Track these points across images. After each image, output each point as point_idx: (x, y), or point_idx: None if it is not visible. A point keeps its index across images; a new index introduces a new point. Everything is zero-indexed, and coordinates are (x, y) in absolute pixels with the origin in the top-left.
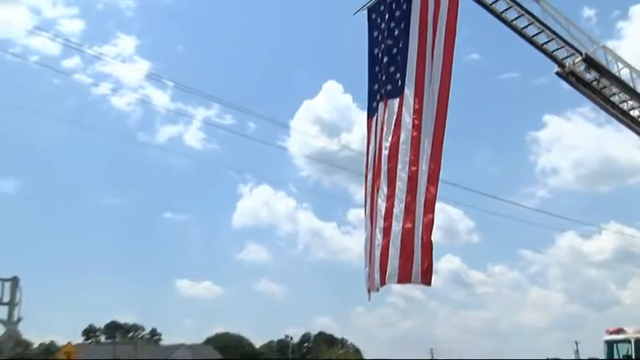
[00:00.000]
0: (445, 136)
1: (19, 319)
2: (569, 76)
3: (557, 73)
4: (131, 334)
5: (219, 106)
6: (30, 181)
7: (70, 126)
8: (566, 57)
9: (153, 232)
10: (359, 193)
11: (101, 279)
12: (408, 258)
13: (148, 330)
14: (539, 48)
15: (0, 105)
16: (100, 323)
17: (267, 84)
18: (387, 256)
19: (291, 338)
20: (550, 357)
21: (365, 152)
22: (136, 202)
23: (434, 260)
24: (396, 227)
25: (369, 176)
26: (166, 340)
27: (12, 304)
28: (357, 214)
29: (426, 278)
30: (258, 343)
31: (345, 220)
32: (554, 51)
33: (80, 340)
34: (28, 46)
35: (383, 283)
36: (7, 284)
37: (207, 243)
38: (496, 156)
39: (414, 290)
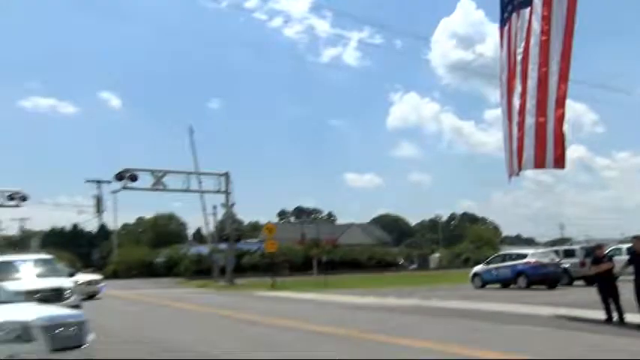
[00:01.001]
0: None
1: (233, 204)
2: None
3: None
4: (313, 216)
5: (371, 28)
6: (230, 100)
7: (254, 54)
8: None
9: (323, 136)
10: (493, 95)
11: (289, 173)
12: (541, 147)
13: (325, 213)
14: None
15: (204, 43)
16: (289, 207)
17: (410, 6)
18: (523, 146)
19: (440, 217)
20: None
21: (499, 58)
22: (309, 112)
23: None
24: (530, 121)
25: (504, 78)
26: (340, 221)
27: (227, 193)
28: (492, 114)
29: (559, 163)
30: (412, 221)
31: (481, 119)
32: None
33: (275, 220)
34: None
35: (520, 169)
36: (222, 178)
37: (367, 143)
38: (619, 51)
39: (543, 175)
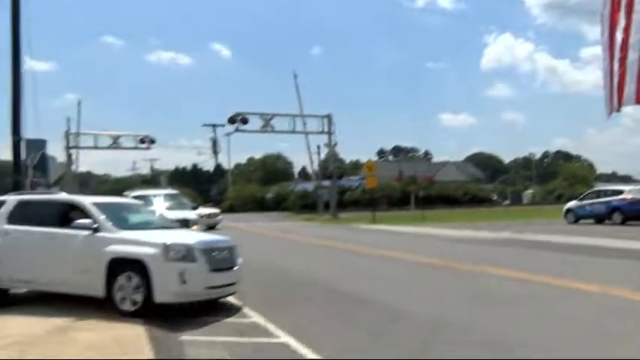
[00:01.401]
0: None
1: (335, 143)
2: None
3: None
4: (410, 155)
5: None
6: (331, 46)
7: (353, 2)
8: None
9: (420, 78)
10: (590, 33)
11: (388, 114)
12: None
13: (422, 151)
14: None
15: None
16: (388, 146)
17: None
18: (624, 82)
19: (534, 155)
20: None
21: None
22: (406, 56)
23: None
24: (633, 56)
25: (606, 13)
26: (436, 159)
27: (330, 133)
28: (589, 52)
29: None
30: (506, 159)
31: (577, 58)
32: None
33: (375, 158)
34: None
35: (620, 105)
36: (325, 119)
37: (462, 84)
38: None
39: None
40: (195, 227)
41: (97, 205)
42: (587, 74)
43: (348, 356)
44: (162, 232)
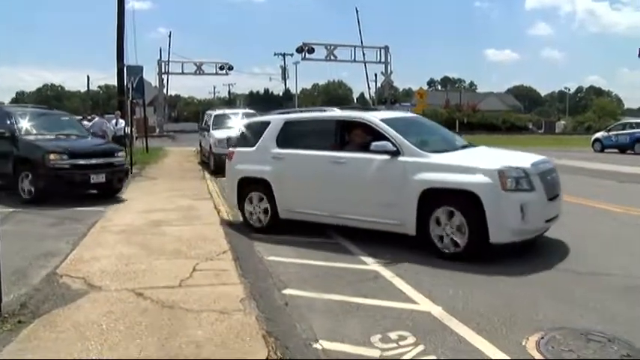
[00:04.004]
0: None
1: (391, 72)
2: None
3: None
4: (457, 85)
5: None
6: None
7: None
8: None
9: (468, 15)
10: None
11: (438, 47)
12: None
13: (467, 82)
14: None
15: None
16: (437, 77)
17: None
18: None
19: (569, 89)
20: None
21: None
22: None
23: None
24: None
25: None
26: (480, 90)
27: (386, 63)
28: None
29: None
30: (543, 93)
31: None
32: None
33: (425, 87)
34: None
35: None
36: (382, 50)
37: (507, 22)
38: None
39: None
40: None
41: (387, 121)
42: (624, 16)
43: None
44: (477, 153)
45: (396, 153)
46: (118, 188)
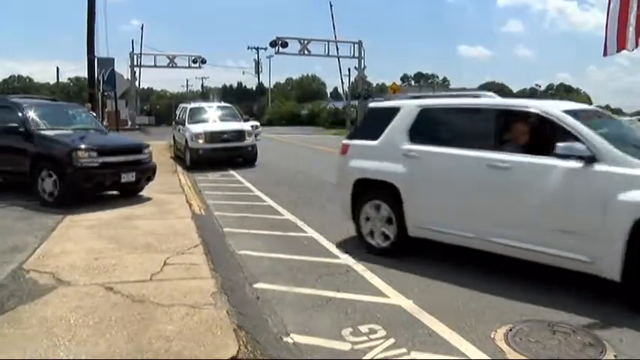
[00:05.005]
0: None
1: (364, 67)
2: None
3: None
4: (430, 80)
5: None
6: None
7: None
8: None
9: (441, 11)
10: None
11: (411, 43)
12: None
13: (441, 78)
14: None
15: None
16: (410, 72)
17: None
18: (626, 26)
19: (540, 86)
20: None
21: None
22: None
23: None
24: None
25: None
26: (453, 85)
27: (359, 58)
28: None
29: None
30: (515, 89)
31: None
32: None
33: (399, 82)
34: None
35: (622, 48)
36: (356, 45)
37: (479, 19)
38: None
39: (638, 54)
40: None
41: (572, 114)
42: (591, 16)
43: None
44: None
45: (591, 159)
46: (141, 188)
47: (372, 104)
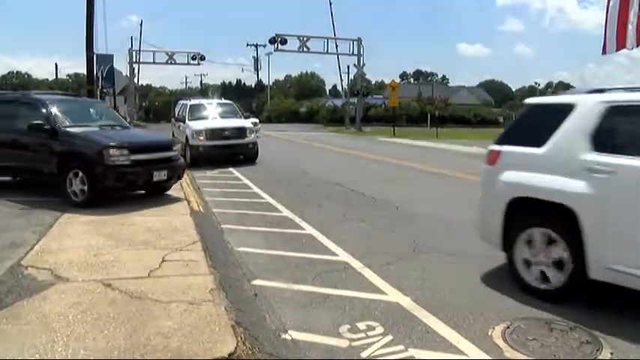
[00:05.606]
0: None
1: (364, 65)
2: None
3: None
4: (429, 78)
5: None
6: None
7: None
8: None
9: (441, 9)
10: None
11: (411, 41)
12: None
13: (440, 76)
14: None
15: None
16: (410, 70)
17: None
18: (626, 25)
19: (539, 85)
20: None
21: None
22: None
23: None
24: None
25: None
26: (452, 83)
27: (359, 55)
28: None
29: None
30: (513, 87)
31: None
32: None
33: (397, 80)
34: None
35: (622, 47)
36: (355, 43)
37: (478, 17)
38: None
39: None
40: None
41: None
42: (591, 14)
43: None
44: None
45: None
46: (170, 186)
47: (532, 99)
